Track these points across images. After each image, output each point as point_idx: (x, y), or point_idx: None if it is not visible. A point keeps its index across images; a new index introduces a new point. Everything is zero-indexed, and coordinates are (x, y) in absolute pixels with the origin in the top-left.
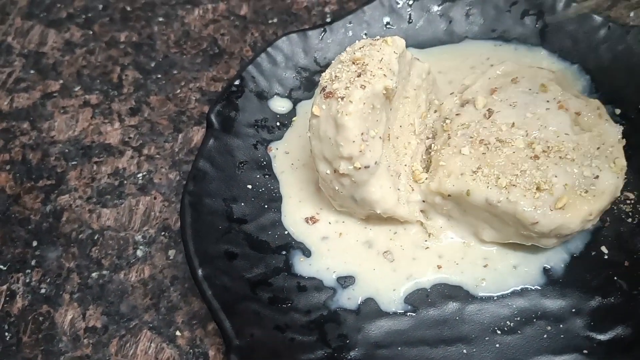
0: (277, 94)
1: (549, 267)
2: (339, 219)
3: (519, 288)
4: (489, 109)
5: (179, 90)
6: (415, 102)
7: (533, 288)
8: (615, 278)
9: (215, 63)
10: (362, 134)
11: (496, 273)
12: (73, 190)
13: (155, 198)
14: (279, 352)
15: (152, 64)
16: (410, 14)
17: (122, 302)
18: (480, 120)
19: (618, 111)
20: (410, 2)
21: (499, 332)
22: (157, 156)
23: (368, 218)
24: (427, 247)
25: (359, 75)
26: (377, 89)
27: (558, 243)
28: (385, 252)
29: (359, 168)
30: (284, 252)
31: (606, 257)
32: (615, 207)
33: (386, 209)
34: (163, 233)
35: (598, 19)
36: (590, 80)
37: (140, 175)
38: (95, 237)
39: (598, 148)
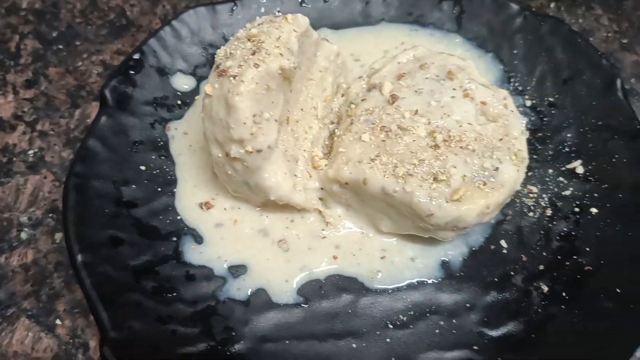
0: (180, 71)
1: (447, 260)
2: (235, 206)
3: (415, 281)
4: (394, 94)
5: (80, 63)
6: (320, 85)
7: (429, 281)
8: (511, 273)
9: (122, 36)
10: (254, 115)
11: (393, 265)
12: None
13: (45, 177)
14: (158, 345)
15: (54, 34)
16: None
17: (0, 288)
18: (384, 107)
19: (529, 103)
20: None
21: (390, 326)
22: (51, 132)
23: (264, 205)
24: (324, 237)
25: (253, 54)
26: (272, 69)
27: (456, 236)
28: (280, 241)
29: (251, 152)
30: (174, 239)
31: (505, 251)
32: (517, 201)
33: (280, 195)
34: (51, 215)
35: (515, 7)
36: (503, 70)
37: (31, 152)
38: None
39: (501, 139)
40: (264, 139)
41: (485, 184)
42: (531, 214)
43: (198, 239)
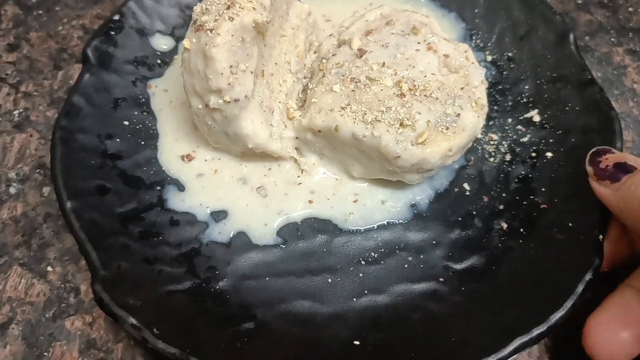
0: (159, 32)
1: (415, 202)
2: (215, 156)
3: (385, 222)
4: (361, 49)
5: (60, 28)
6: (292, 42)
7: (399, 222)
8: (474, 213)
9: (101, 1)
10: (231, 66)
11: (364, 208)
12: None
13: (31, 135)
14: (145, 283)
15: (34, 0)
16: None
17: None
18: (353, 60)
19: (489, 58)
20: None
21: (363, 262)
22: (35, 93)
23: (243, 155)
24: (300, 183)
25: (227, 8)
26: (245, 22)
27: (422, 179)
28: (258, 187)
29: (229, 102)
30: (158, 188)
31: (468, 193)
32: (479, 148)
33: (257, 143)
34: (38, 171)
35: None
36: (465, 29)
37: (16, 112)
38: None
39: (462, 89)
40: (240, 88)
41: (447, 128)
42: (492, 159)
43: (180, 187)
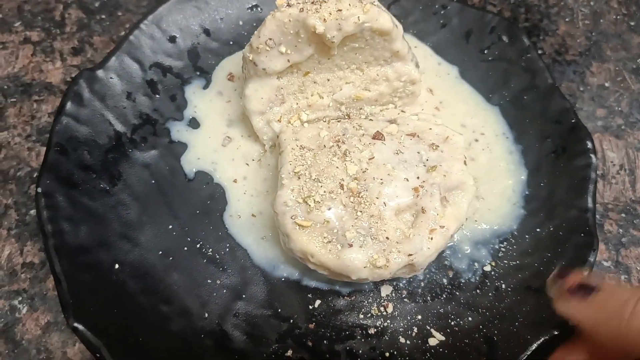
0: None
1: None
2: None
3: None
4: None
5: (123, 32)
6: (368, 84)
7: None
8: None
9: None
10: (270, 39)
11: None
12: (12, 128)
13: None
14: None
15: (97, 4)
16: None
17: None
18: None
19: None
20: None
21: None
22: None
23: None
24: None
25: (312, 3)
26: (308, 22)
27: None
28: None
29: (251, 60)
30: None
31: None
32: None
33: (247, 108)
34: None
35: None
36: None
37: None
38: (34, 175)
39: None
40: (264, 60)
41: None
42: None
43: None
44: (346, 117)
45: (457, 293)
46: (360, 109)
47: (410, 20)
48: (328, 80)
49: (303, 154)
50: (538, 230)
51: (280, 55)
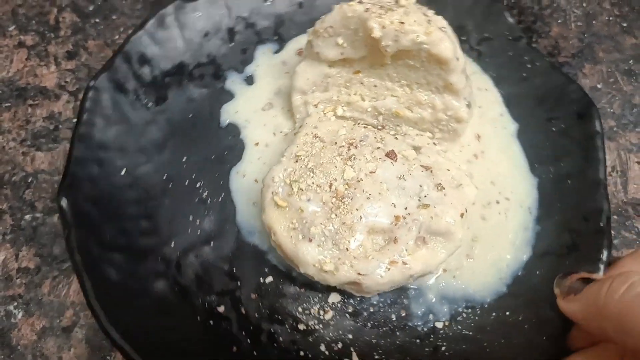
0: None
1: None
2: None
3: None
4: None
5: (117, 36)
6: (412, 103)
7: None
8: None
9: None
10: (331, 27)
11: None
12: (6, 132)
13: None
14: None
15: (91, 8)
16: None
17: (55, 245)
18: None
19: None
20: None
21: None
22: None
23: None
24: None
25: (381, 7)
26: (368, 24)
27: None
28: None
29: (310, 40)
30: None
31: None
32: None
33: (293, 84)
34: None
35: None
36: None
37: (76, 120)
38: (29, 180)
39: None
40: (319, 44)
41: None
42: None
43: None
44: (380, 127)
45: (398, 333)
46: (398, 125)
47: (495, 62)
48: (375, 86)
49: (313, 142)
50: (507, 314)
51: (336, 46)
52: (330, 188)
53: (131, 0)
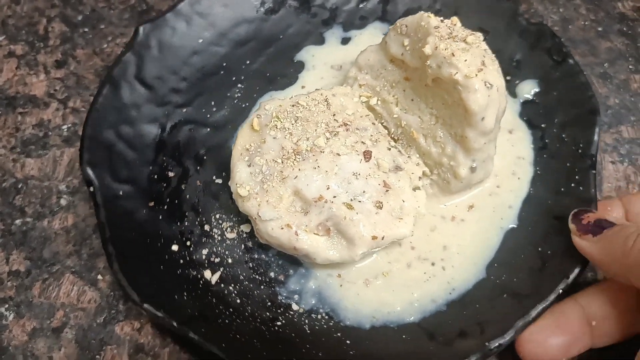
0: None
1: None
2: None
3: None
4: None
5: (105, 45)
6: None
7: None
8: None
9: (143, 20)
10: (405, 26)
11: None
12: None
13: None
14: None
15: (79, 18)
16: None
17: (44, 248)
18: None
19: None
20: None
21: None
22: (83, 109)
23: None
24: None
25: (451, 33)
26: (426, 38)
27: None
28: None
29: (385, 35)
30: None
31: None
32: None
33: (358, 57)
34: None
35: None
36: None
37: (65, 127)
38: (19, 186)
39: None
40: (391, 35)
41: None
42: None
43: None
44: (394, 138)
45: (262, 287)
46: (409, 146)
47: None
48: (412, 100)
49: (319, 102)
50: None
51: (401, 46)
52: (296, 142)
53: (119, 10)
